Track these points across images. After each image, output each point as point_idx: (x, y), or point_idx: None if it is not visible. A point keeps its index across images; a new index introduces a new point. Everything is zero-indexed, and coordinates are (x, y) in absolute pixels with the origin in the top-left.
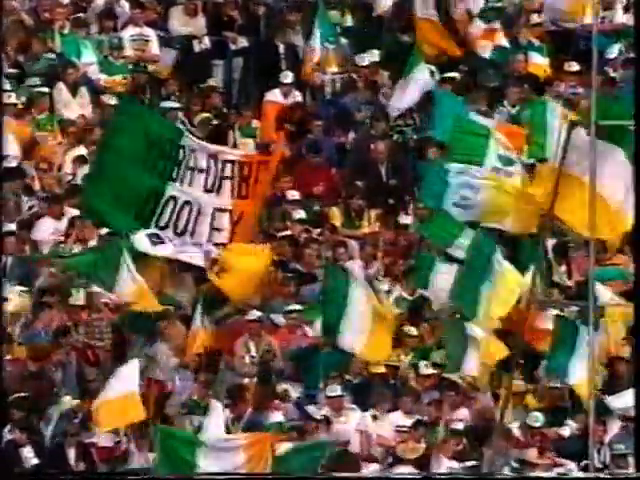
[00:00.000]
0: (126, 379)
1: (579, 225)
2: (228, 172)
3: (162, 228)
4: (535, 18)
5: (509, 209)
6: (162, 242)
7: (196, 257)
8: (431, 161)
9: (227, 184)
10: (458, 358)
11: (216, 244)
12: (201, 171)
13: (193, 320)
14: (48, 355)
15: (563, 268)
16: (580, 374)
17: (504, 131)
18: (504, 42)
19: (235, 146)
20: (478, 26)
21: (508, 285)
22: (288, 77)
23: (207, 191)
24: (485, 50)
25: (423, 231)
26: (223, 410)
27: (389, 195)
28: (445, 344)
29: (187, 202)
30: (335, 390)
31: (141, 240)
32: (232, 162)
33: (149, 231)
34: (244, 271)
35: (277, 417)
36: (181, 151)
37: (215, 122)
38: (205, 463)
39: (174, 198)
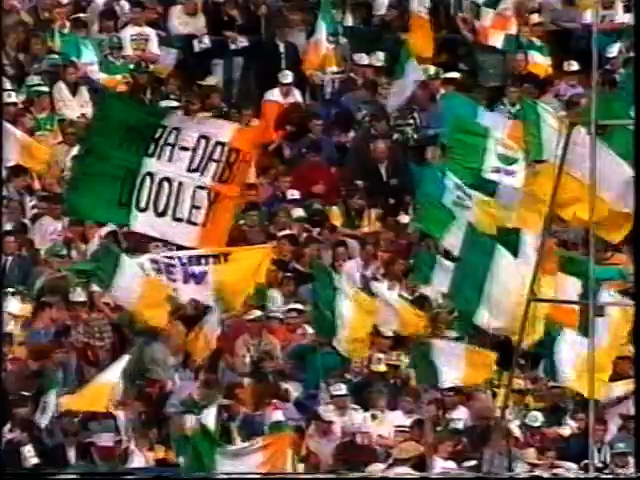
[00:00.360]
0: (110, 371)
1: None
2: (217, 155)
3: (142, 210)
4: (535, 17)
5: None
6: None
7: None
8: (430, 162)
9: (212, 166)
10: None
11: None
12: (185, 149)
13: (205, 320)
14: (48, 355)
15: None
16: (567, 375)
17: None
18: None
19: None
20: (489, 15)
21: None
22: (287, 77)
23: (191, 170)
24: (497, 40)
25: (417, 223)
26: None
27: (389, 195)
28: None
29: (166, 179)
30: (341, 389)
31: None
32: (222, 145)
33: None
34: (245, 270)
35: (278, 417)
36: (159, 129)
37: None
38: (225, 465)
39: (151, 175)
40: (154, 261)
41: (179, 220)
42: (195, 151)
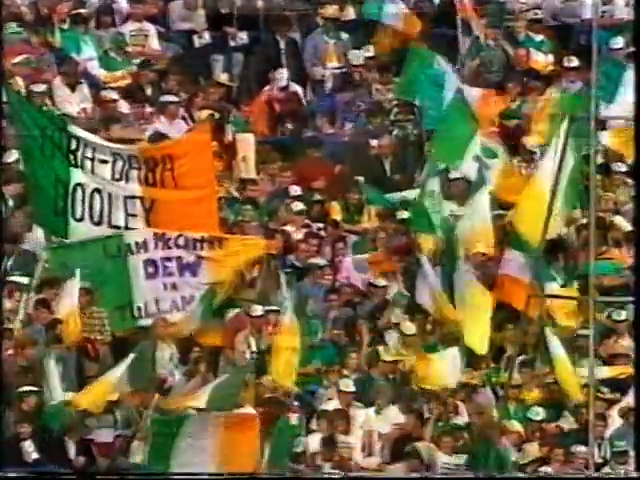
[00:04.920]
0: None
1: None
2: (135, 164)
3: (79, 220)
4: (535, 13)
5: None
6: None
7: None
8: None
9: (134, 173)
10: None
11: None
12: (104, 162)
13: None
14: (47, 349)
15: (561, 263)
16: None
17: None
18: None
19: (234, 141)
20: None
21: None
22: (283, 74)
23: (115, 180)
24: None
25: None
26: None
27: (389, 190)
28: None
29: (97, 190)
30: (348, 385)
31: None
32: (136, 157)
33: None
34: (236, 261)
35: (293, 421)
36: (73, 140)
37: (217, 117)
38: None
39: (81, 185)
40: (151, 261)
41: (117, 228)
42: (115, 162)
